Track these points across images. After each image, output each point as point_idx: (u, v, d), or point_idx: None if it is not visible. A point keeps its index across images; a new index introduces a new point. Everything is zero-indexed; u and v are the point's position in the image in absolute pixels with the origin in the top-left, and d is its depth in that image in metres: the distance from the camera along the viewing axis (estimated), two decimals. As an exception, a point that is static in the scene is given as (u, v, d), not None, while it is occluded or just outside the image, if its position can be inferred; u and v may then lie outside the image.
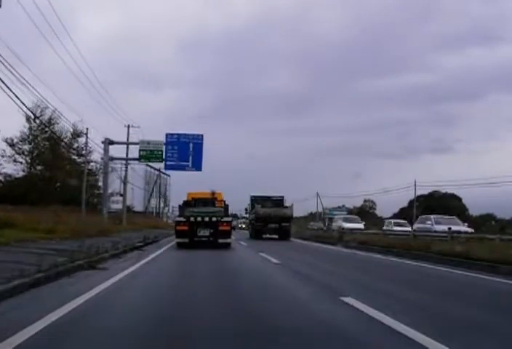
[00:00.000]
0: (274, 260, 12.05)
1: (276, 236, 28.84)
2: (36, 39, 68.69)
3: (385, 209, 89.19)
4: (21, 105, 23.63)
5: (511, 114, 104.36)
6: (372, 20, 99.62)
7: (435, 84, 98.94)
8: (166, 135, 30.99)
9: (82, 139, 42.26)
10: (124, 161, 41.09)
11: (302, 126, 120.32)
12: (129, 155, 35.39)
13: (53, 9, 31.98)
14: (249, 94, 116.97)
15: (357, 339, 4.15)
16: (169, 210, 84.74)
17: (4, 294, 5.79)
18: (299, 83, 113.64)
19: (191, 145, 30.69)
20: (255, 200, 32.00)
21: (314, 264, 12.04)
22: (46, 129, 44.19)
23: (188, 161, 30.83)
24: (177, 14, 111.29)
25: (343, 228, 29.01)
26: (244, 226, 56.12)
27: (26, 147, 45.58)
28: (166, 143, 30.86)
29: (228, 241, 17.78)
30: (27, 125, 43.75)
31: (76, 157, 49.00)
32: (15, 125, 56.03)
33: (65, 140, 45.78)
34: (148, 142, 30.94)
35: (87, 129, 33.34)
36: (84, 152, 36.75)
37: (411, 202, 53.97)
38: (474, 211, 53.83)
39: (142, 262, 11.44)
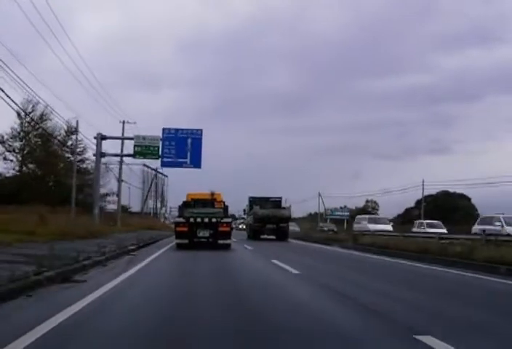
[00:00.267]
0: (293, 270, 10.08)
1: (274, 237, 29.06)
2: (34, 38, 67.19)
3: (388, 209, 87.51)
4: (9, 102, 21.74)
5: (509, 115, 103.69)
6: (370, 19, 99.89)
7: (433, 85, 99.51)
8: (163, 130, 28.93)
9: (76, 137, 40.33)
10: (120, 161, 39.41)
11: (300, 125, 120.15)
12: (125, 152, 33.53)
13: (50, 8, 30.38)
14: (248, 94, 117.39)
15: None
16: (166, 210, 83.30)
17: None
18: (297, 82, 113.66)
19: (189, 140, 28.61)
20: (253, 201, 32.28)
21: (351, 278, 9.21)
22: (38, 126, 42.29)
23: (186, 158, 28.74)
24: (175, 14, 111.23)
25: (368, 230, 25.76)
26: (243, 227, 54.25)
27: (17, 144, 43.62)
28: (163, 139, 28.76)
29: (228, 241, 17.73)
30: (18, 121, 41.74)
31: (70, 155, 47.25)
32: (6, 121, 54.41)
33: (59, 138, 43.93)
34: (144, 138, 28.87)
35: (77, 121, 31.24)
36: (73, 146, 34.59)
37: (418, 202, 52.11)
38: (484, 211, 51.74)
39: (131, 271, 9.46)
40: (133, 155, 29.51)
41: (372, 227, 27.90)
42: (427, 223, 29.15)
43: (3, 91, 20.15)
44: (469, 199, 51.77)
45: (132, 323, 4.75)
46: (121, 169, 38.58)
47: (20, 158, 43.83)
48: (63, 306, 5.34)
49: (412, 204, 58.73)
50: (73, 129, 41.56)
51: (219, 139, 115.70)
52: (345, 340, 4.10)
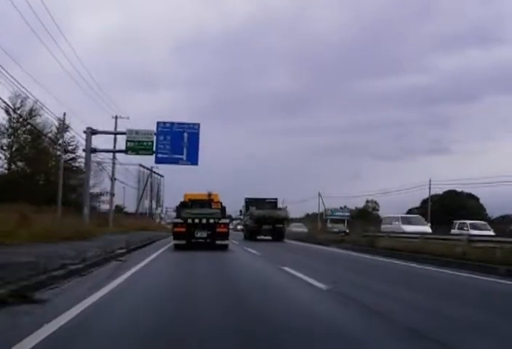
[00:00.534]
0: (317, 283, 7.91)
1: (270, 237, 29.19)
2: (29, 37, 66.38)
3: (388, 210, 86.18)
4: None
5: (508, 115, 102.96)
6: (370, 20, 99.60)
7: (432, 85, 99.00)
8: (158, 124, 26.96)
9: (69, 134, 38.60)
10: (113, 157, 37.42)
11: (299, 125, 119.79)
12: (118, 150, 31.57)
13: (44, 7, 28.88)
14: (247, 94, 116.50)
15: None
16: (162, 211, 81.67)
17: None
18: (297, 82, 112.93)
19: (186, 135, 26.65)
20: (250, 202, 32.59)
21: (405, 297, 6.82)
22: (27, 122, 40.35)
23: (182, 154, 26.80)
24: (174, 14, 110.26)
25: (403, 232, 21.97)
26: (240, 228, 52.51)
27: (5, 141, 41.69)
28: (158, 133, 26.80)
29: (226, 242, 17.75)
30: (6, 117, 39.79)
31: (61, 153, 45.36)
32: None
33: (50, 135, 42.04)
34: (137, 132, 26.88)
35: (64, 113, 29.24)
36: (59, 137, 32.44)
37: (424, 202, 50.30)
38: (492, 211, 49.97)
39: (113, 284, 7.55)
40: (125, 151, 27.55)
41: (407, 228, 23.56)
42: (470, 224, 25.79)
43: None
44: (477, 199, 50.04)
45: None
46: (113, 166, 36.61)
47: (9, 156, 41.94)
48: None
49: (414, 204, 57.09)
50: (66, 126, 39.98)
51: (217, 139, 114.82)
52: None
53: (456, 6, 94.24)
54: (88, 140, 26.73)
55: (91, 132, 26.76)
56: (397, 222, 26.82)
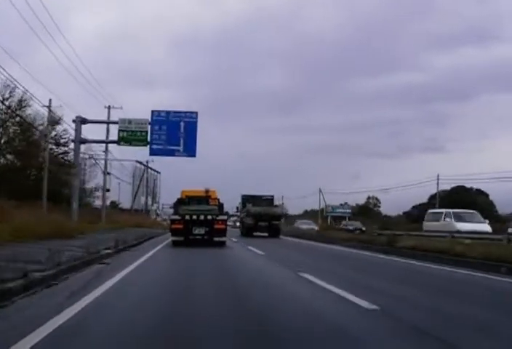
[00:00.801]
0: (353, 298, 5.96)
1: (266, 234, 29.46)
2: (27, 33, 64.94)
3: (390, 206, 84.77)
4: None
5: (503, 113, 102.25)
6: (365, 19, 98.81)
7: (428, 83, 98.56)
8: (152, 112, 24.89)
9: (61, 127, 36.68)
10: (105, 149, 35.45)
11: (295, 124, 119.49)
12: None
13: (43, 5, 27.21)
14: (244, 92, 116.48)
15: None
16: (158, 207, 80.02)
17: None
18: (292, 81, 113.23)
19: (183, 124, 24.58)
20: (246, 199, 32.92)
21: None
22: (15, 113, 38.33)
23: (179, 145, 24.77)
24: (169, 12, 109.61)
25: (457, 231, 18.18)
26: (237, 224, 50.83)
27: (-7, 132, 39.71)
28: (152, 122, 24.77)
29: (223, 239, 17.75)
30: (-6, 107, 37.69)
31: (54, 147, 43.50)
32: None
33: (41, 127, 40.05)
34: (130, 121, 24.83)
35: (50, 100, 27.19)
36: (46, 128, 30.45)
37: (431, 198, 48.42)
38: (503, 208, 47.98)
39: (87, 300, 5.64)
40: (117, 142, 25.55)
41: (463, 226, 19.69)
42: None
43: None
44: (487, 195, 48.20)
45: None
46: (106, 157, 34.61)
47: (-3, 149, 39.98)
48: None
49: (415, 201, 55.23)
50: (58, 119, 38.02)
51: (214, 136, 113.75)
52: None
53: (452, 4, 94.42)
54: (77, 130, 24.78)
55: (80, 121, 24.78)
56: (448, 219, 22.20)
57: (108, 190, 58.01)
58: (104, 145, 33.50)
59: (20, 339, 3.66)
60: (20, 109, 38.66)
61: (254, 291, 6.96)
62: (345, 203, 70.98)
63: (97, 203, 47.11)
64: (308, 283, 7.64)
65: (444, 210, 25.16)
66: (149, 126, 24.78)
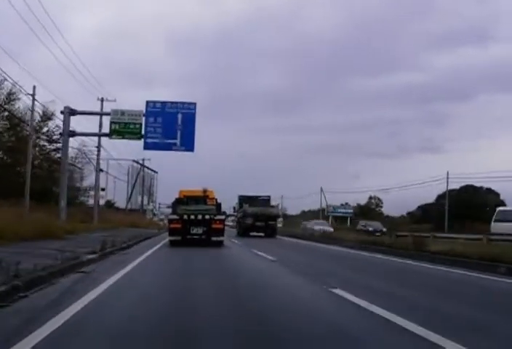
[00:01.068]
0: (414, 328, 4.29)
1: (263, 234, 29.79)
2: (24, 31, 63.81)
3: (391, 206, 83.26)
4: None
5: (502, 113, 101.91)
6: (365, 18, 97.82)
7: (428, 83, 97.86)
8: (147, 103, 22.90)
9: (53, 123, 34.93)
10: (98, 145, 33.50)
11: (295, 124, 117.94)
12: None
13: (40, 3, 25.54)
14: (243, 92, 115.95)
15: None
16: (155, 207, 78.38)
17: None
18: (292, 81, 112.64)
19: (180, 116, 22.59)
20: (243, 199, 33.27)
21: None
22: (3, 107, 36.39)
23: (176, 138, 22.75)
24: (168, 11, 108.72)
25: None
26: (234, 224, 49.17)
27: (-20, 127, 37.76)
28: (147, 114, 22.83)
29: (221, 238, 17.90)
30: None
31: (46, 143, 41.62)
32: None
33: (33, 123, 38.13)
34: (123, 112, 22.78)
35: (34, 86, 25.16)
36: (31, 119, 28.39)
37: (439, 197, 46.53)
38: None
39: (51, 326, 3.73)
40: (109, 135, 23.58)
41: None
42: None
43: None
44: (497, 194, 46.35)
45: None
46: (98, 153, 32.65)
47: (-15, 144, 38.04)
48: None
49: (418, 201, 53.37)
50: (51, 114, 36.17)
51: (211, 136, 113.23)
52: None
53: (452, 4, 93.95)
54: (66, 122, 22.79)
55: (69, 113, 22.79)
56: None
57: (103, 189, 56.41)
58: (99, 142, 31.65)
59: None
60: (8, 103, 36.82)
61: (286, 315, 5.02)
62: (346, 203, 69.28)
63: (91, 202, 45.46)
64: (348, 305, 5.65)
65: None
66: (143, 118, 22.84)
